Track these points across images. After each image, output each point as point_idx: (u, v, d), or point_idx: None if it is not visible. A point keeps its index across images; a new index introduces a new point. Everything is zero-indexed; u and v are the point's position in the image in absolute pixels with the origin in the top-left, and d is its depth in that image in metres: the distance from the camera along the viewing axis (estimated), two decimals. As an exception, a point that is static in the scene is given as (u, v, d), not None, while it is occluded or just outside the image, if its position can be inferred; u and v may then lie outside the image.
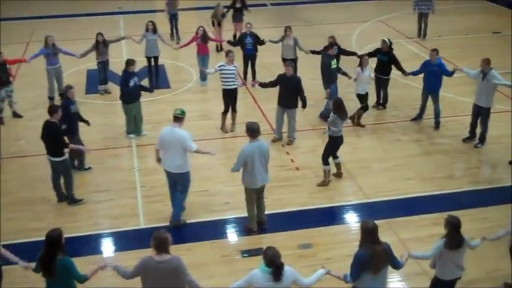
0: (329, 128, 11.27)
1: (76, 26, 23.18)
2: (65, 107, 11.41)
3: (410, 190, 11.52)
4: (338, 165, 11.85)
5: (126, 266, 7.08)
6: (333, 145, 11.46)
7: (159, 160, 10.36)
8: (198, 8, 25.07)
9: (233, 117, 14.07)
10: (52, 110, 10.55)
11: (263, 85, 13.62)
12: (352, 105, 13.90)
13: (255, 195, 9.99)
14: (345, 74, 14.37)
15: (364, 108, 14.00)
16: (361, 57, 14.13)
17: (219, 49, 19.66)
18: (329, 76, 14.11)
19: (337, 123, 11.16)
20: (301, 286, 6.90)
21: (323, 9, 25.40)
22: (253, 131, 9.65)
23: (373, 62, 15.29)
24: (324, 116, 14.04)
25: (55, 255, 6.87)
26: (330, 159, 11.63)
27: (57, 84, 15.54)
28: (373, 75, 14.45)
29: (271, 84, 13.37)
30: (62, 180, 11.01)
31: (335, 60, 14.27)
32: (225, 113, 13.99)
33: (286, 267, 6.66)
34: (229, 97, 13.84)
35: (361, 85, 13.81)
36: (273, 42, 16.49)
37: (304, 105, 13.10)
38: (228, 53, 13.70)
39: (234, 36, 20.67)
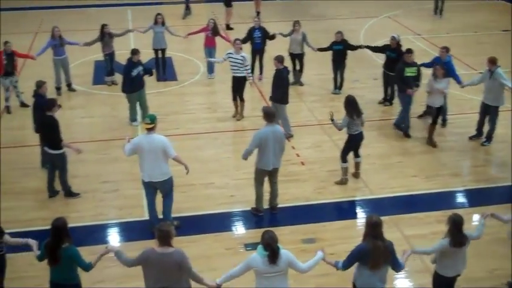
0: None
1: (84, 17, 23.20)
2: (37, 104, 11.27)
3: (415, 187, 11.48)
4: (357, 165, 11.66)
5: (128, 256, 7.10)
6: (351, 143, 11.32)
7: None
8: (209, 1, 25.07)
9: (241, 106, 14.22)
10: (50, 104, 10.55)
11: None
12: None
13: (263, 177, 10.16)
14: (417, 86, 13.14)
15: (434, 122, 12.99)
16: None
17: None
18: (401, 84, 13.14)
19: (350, 124, 11.05)
20: (298, 270, 6.97)
21: (332, 4, 25.29)
22: (269, 115, 9.84)
23: (381, 59, 15.28)
24: (397, 126, 13.53)
25: (61, 243, 6.94)
26: (351, 157, 11.50)
27: (64, 75, 15.66)
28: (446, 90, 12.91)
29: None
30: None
31: (414, 68, 13.09)
32: (234, 99, 14.21)
33: (283, 251, 6.74)
34: (235, 84, 14.03)
35: (432, 96, 12.69)
36: (283, 35, 16.32)
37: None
38: (234, 41, 14.23)
39: (227, 25, 21.22)
